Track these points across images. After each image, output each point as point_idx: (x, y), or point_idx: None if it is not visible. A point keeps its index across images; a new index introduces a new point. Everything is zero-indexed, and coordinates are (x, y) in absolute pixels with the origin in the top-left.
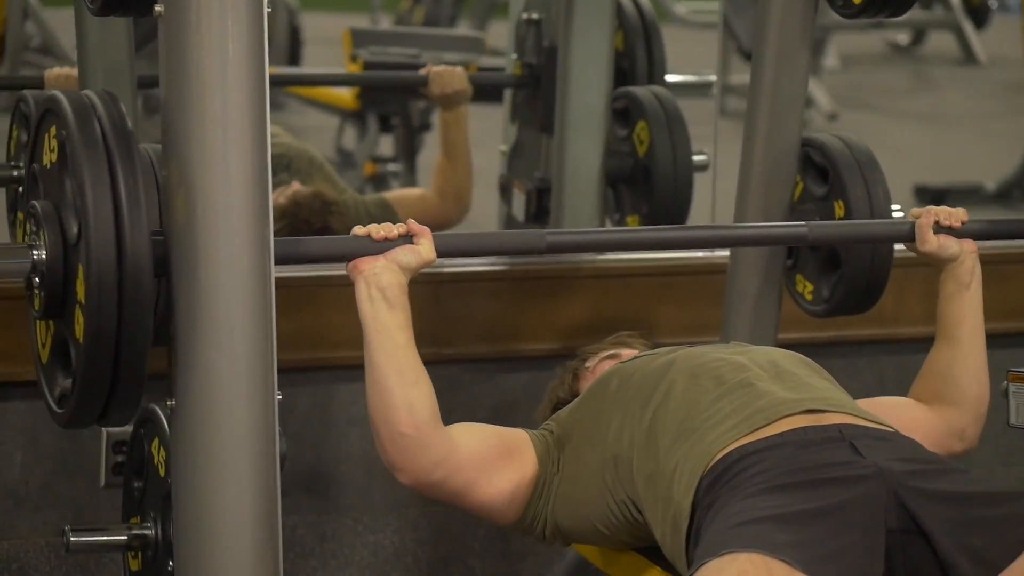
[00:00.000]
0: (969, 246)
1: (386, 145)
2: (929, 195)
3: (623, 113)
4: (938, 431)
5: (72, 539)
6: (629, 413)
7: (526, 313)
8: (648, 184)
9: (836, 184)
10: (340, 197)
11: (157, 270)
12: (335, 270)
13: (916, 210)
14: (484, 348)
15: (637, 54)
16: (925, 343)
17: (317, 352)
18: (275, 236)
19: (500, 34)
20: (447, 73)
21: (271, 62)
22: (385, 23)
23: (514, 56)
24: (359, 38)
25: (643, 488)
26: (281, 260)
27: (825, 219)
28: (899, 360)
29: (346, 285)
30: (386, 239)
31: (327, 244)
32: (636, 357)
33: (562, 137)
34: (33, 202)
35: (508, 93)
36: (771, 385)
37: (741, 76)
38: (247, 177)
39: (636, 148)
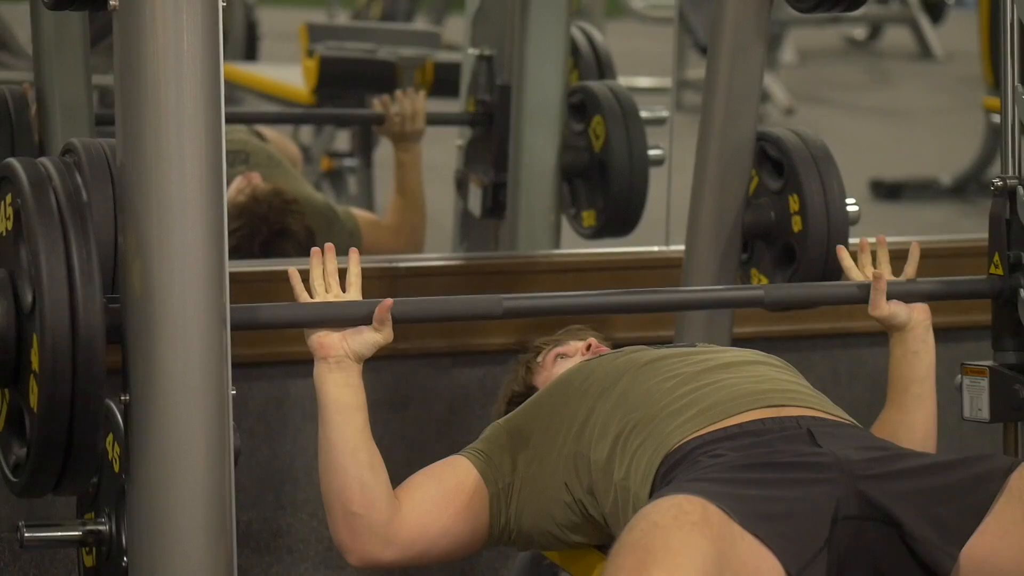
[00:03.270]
0: (919, 314)
1: (342, 140)
2: (885, 189)
3: (579, 108)
4: None
5: (27, 535)
6: (590, 409)
7: None
8: (604, 179)
9: (791, 178)
10: (301, 196)
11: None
12: (288, 265)
13: (874, 272)
14: (439, 342)
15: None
16: (878, 337)
17: (271, 347)
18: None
19: (457, 29)
20: (403, 113)
21: (228, 57)
22: (342, 18)
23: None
24: (316, 33)
25: (600, 479)
26: (237, 327)
27: (780, 213)
28: (853, 354)
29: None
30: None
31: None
32: (599, 356)
33: (518, 131)
34: None
35: (463, 87)
36: (732, 381)
37: (697, 71)
38: (201, 167)
39: (592, 143)
